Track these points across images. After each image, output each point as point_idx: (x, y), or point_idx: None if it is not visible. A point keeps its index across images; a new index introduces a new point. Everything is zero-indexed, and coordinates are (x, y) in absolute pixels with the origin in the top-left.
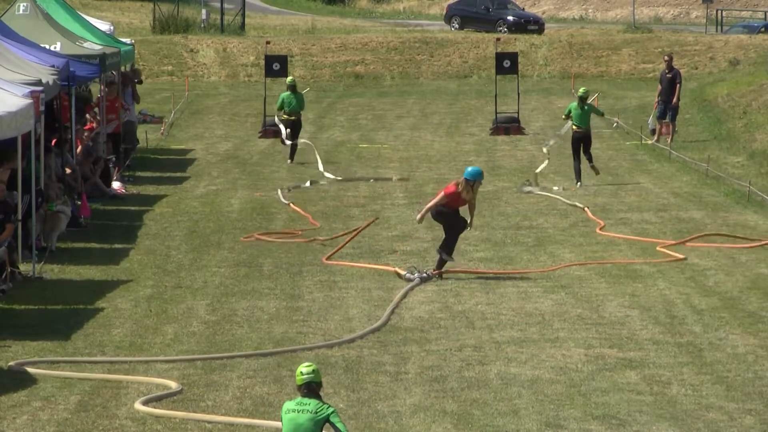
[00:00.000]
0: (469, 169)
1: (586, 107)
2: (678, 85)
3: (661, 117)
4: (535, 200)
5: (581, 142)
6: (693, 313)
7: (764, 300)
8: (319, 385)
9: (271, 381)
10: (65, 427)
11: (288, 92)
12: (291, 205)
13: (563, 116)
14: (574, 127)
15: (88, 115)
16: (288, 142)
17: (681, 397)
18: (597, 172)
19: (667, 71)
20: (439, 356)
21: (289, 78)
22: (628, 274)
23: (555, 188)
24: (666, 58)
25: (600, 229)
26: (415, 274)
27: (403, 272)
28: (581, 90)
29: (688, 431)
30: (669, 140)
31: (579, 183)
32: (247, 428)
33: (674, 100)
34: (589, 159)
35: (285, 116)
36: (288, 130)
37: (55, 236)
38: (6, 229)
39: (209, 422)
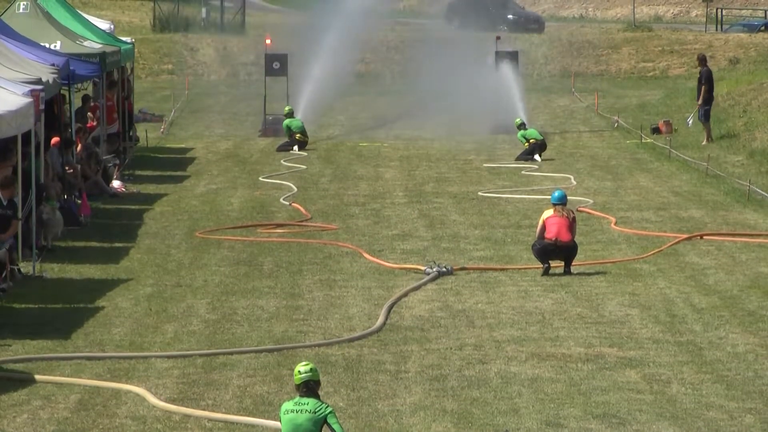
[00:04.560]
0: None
1: (529, 128)
2: (702, 86)
3: (699, 117)
4: (536, 199)
5: (541, 149)
6: (693, 311)
7: (764, 299)
8: (318, 383)
9: (271, 380)
10: (65, 426)
11: (289, 119)
12: (293, 204)
13: (525, 144)
14: (533, 140)
15: (89, 114)
16: (296, 150)
17: (681, 396)
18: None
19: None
20: (439, 355)
21: (287, 108)
22: (628, 272)
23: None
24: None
25: (614, 224)
26: (434, 268)
27: (422, 268)
28: (518, 120)
29: (688, 430)
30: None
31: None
32: (247, 427)
33: (698, 100)
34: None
35: (299, 136)
36: (297, 147)
37: (50, 237)
38: (12, 225)
39: (209, 420)
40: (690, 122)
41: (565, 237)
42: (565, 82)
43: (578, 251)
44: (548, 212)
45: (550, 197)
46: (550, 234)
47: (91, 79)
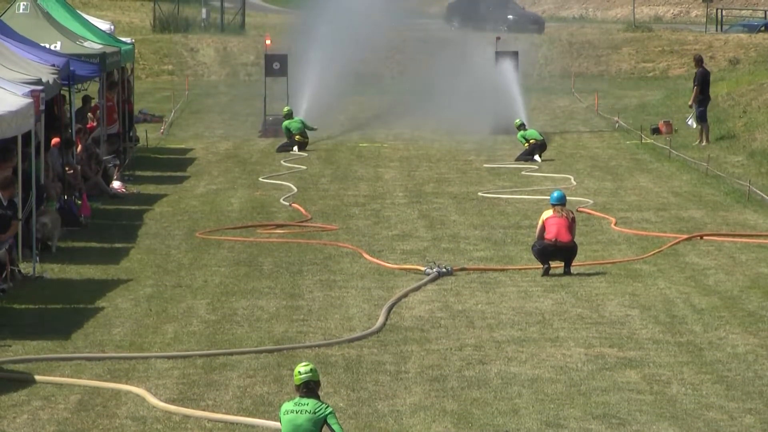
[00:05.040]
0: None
1: (529, 128)
2: (695, 87)
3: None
4: (536, 199)
5: (541, 149)
6: (693, 312)
7: (764, 299)
8: (318, 384)
9: (271, 380)
10: (65, 427)
11: (288, 120)
12: (292, 204)
13: (525, 144)
14: (532, 140)
15: (90, 115)
16: (296, 151)
17: (681, 397)
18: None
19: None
20: (439, 355)
21: (286, 108)
22: (628, 273)
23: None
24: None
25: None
26: (434, 269)
27: (422, 268)
28: (518, 121)
29: (688, 430)
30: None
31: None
32: (247, 427)
33: (690, 101)
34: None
35: (298, 138)
36: (296, 147)
37: (51, 239)
38: (12, 226)
39: (209, 420)
40: (691, 123)
41: (564, 237)
42: (565, 83)
43: (578, 251)
44: (547, 213)
45: (549, 198)
46: (550, 235)
47: (92, 80)
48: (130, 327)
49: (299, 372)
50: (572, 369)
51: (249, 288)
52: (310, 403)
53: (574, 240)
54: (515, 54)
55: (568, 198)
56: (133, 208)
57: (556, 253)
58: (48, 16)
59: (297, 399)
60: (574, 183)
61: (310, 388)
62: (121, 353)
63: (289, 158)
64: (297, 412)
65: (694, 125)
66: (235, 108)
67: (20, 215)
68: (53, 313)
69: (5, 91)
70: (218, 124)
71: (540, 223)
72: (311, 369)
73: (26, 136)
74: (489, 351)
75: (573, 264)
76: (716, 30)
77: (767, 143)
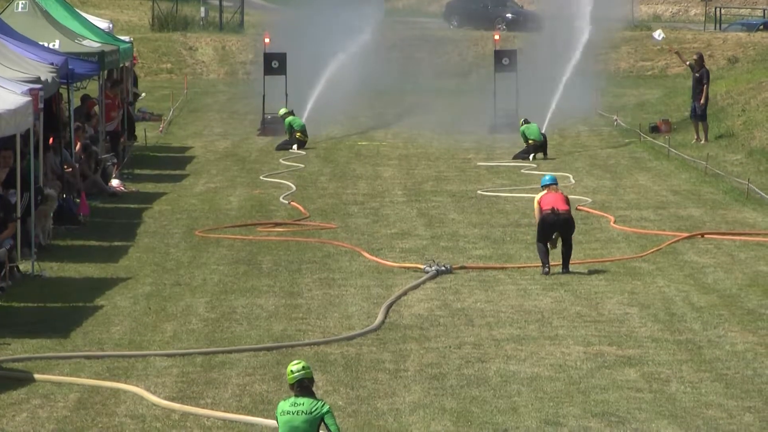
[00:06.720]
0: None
1: (531, 124)
2: (705, 86)
3: (691, 116)
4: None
5: (541, 149)
6: (692, 310)
7: (763, 297)
8: (312, 381)
9: (270, 378)
10: (65, 425)
11: (290, 117)
12: (291, 203)
13: (530, 141)
14: (531, 141)
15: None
16: (295, 149)
17: (680, 395)
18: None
19: (696, 70)
20: (438, 354)
21: (282, 110)
22: (627, 271)
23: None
24: (695, 56)
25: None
26: (433, 267)
27: (422, 266)
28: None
29: (688, 429)
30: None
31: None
32: (246, 426)
33: (701, 100)
34: (545, 155)
35: (299, 135)
36: (296, 146)
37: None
38: (8, 228)
39: (208, 418)
40: (658, 36)
41: (562, 207)
42: None
43: (577, 250)
44: (542, 193)
45: (540, 182)
46: (547, 206)
47: (91, 78)
48: (129, 325)
49: (291, 371)
50: (571, 367)
51: (248, 286)
52: (305, 403)
53: (572, 215)
54: (514, 52)
55: (567, 197)
56: (131, 206)
57: (556, 224)
58: (47, 15)
59: (293, 399)
60: (573, 181)
61: (304, 386)
62: (120, 351)
63: (288, 157)
64: (293, 413)
65: (660, 37)
66: (234, 106)
67: (17, 214)
68: (52, 311)
69: (4, 90)
70: (217, 122)
71: (536, 204)
72: (303, 366)
73: (25, 135)
74: (488, 349)
75: (572, 262)
76: (715, 28)
77: (766, 142)
